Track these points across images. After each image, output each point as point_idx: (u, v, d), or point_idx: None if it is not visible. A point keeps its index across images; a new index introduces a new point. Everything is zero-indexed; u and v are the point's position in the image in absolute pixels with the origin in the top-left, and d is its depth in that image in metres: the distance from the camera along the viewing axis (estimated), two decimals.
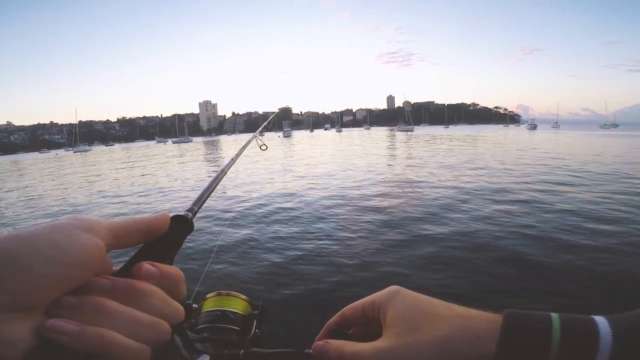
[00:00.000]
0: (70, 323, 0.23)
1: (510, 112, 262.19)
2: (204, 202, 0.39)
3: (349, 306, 0.40)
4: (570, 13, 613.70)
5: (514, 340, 0.29)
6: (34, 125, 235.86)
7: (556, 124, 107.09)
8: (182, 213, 0.33)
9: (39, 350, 0.22)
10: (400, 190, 8.76)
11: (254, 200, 8.21)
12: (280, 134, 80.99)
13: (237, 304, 0.47)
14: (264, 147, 1.01)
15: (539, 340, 0.28)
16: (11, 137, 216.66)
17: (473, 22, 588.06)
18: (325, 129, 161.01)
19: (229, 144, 54.28)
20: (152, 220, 0.29)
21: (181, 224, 0.32)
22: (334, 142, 41.01)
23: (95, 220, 0.26)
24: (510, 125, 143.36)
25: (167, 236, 0.30)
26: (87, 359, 0.23)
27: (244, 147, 0.81)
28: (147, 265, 0.27)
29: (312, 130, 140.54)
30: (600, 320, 0.28)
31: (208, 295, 0.48)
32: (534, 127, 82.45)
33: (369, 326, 0.39)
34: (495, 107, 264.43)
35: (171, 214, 0.31)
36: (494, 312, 0.32)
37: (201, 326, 0.45)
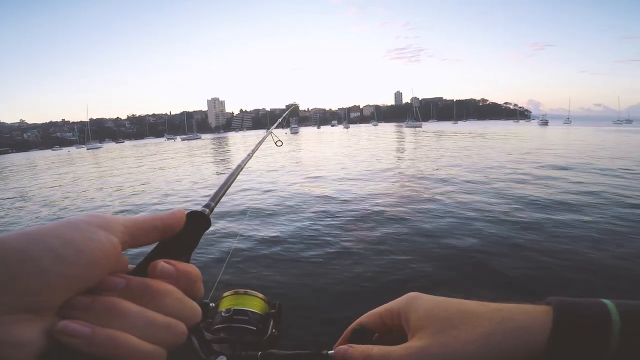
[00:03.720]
0: (82, 325, 0.22)
1: (520, 107, 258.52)
2: (220, 197, 0.38)
3: (366, 314, 0.39)
4: (583, 8, 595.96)
5: (569, 325, 0.27)
6: (46, 123, 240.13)
7: (568, 120, 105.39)
8: (198, 209, 0.32)
9: (50, 353, 0.21)
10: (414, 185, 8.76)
11: (270, 195, 8.16)
12: (287, 130, 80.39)
13: (255, 303, 0.47)
14: (279, 143, 1.00)
15: (597, 324, 0.26)
16: (24, 134, 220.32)
17: (482, 17, 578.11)
18: (332, 125, 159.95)
19: (239, 139, 53.52)
20: (168, 217, 0.28)
21: (198, 220, 0.31)
22: (341, 138, 40.82)
23: (110, 217, 0.25)
24: (521, 121, 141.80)
25: (183, 233, 0.29)
26: None
27: (260, 143, 0.77)
28: (162, 264, 0.26)
29: (319, 127, 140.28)
30: None
31: (225, 294, 0.48)
32: (545, 122, 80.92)
33: (391, 333, 0.37)
34: (505, 103, 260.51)
35: (187, 210, 0.30)
36: (531, 303, 0.30)
37: (218, 326, 0.44)
